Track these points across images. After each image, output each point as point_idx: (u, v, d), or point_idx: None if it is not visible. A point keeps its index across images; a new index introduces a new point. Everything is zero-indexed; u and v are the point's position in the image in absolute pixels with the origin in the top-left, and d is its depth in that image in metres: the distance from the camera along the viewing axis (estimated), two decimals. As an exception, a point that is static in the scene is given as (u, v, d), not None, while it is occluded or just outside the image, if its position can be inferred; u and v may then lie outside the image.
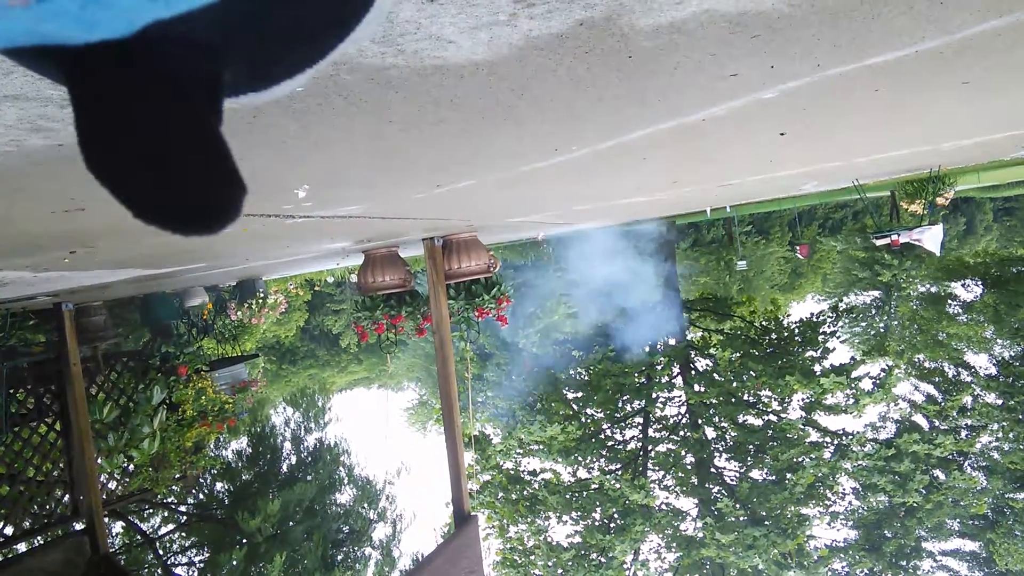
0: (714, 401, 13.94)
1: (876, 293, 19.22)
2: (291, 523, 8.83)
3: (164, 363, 6.26)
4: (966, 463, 12.32)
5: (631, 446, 14.28)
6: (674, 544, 12.28)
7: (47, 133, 0.99)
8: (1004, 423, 11.89)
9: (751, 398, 13.82)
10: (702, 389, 14.36)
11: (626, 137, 1.79)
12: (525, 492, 13.00)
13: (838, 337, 15.25)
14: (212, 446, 8.78)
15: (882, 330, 18.08)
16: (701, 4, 0.88)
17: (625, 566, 12.05)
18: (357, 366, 27.22)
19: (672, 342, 15.70)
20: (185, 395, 6.09)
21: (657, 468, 13.76)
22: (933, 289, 16.88)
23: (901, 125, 2.60)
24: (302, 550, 8.58)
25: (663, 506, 12.64)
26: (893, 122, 2.42)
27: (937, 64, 1.42)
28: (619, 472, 13.26)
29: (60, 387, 5.39)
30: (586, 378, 15.35)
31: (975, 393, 12.88)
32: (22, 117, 0.90)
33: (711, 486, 13.22)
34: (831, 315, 15.28)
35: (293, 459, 10.83)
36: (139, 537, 8.59)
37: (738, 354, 14.27)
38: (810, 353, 13.63)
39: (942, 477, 11.87)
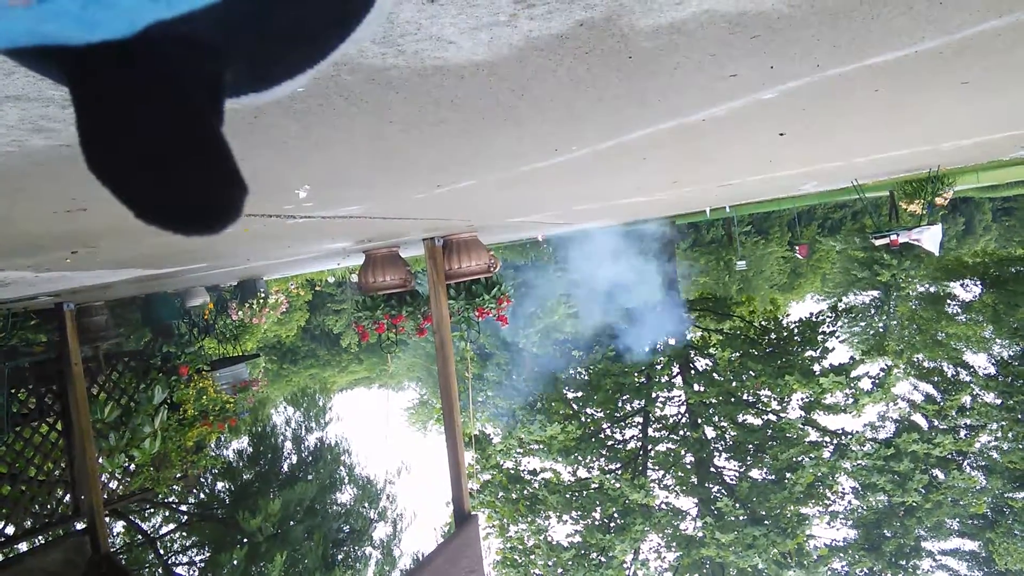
0: (714, 401, 13.95)
1: (875, 293, 19.22)
2: (292, 522, 8.83)
3: (165, 363, 6.26)
4: (965, 462, 12.33)
5: (631, 445, 14.29)
6: (674, 543, 12.29)
7: (49, 133, 0.99)
8: (1003, 422, 11.90)
9: (751, 398, 13.83)
10: (702, 389, 14.37)
11: (626, 137, 1.79)
12: (525, 491, 13.01)
13: (837, 337, 15.25)
14: (213, 446, 8.78)
15: (881, 330, 18.08)
16: (701, 5, 0.88)
17: (625, 565, 12.05)
18: (358, 366, 27.23)
19: (672, 342, 15.71)
20: (186, 395, 6.09)
21: (657, 467, 13.77)
22: (932, 289, 16.89)
23: (900, 125, 2.60)
24: (303, 549, 8.58)
25: (663, 505, 12.64)
26: (892, 122, 2.43)
27: (937, 64, 1.42)
28: (619, 471, 13.26)
29: (61, 387, 5.39)
30: (586, 378, 15.36)
31: (974, 393, 12.88)
32: (24, 117, 0.91)
33: (711, 485, 13.23)
34: (830, 315, 15.28)
35: (294, 459, 10.84)
36: (140, 537, 8.59)
37: (738, 354, 14.27)
38: (809, 353, 13.64)
39: (941, 476, 11.88)
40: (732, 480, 13.22)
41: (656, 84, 1.26)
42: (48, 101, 0.86)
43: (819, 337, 13.98)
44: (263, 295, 8.81)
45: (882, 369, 13.15)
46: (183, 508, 9.46)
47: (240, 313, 8.57)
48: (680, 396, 14.75)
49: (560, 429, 13.12)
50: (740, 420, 13.55)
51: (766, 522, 11.60)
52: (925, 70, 1.47)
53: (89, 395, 5.23)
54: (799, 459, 12.07)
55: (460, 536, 4.16)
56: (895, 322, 17.65)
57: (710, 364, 15.32)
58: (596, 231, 15.10)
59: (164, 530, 9.30)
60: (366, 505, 10.49)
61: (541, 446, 13.25)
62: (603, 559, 11.87)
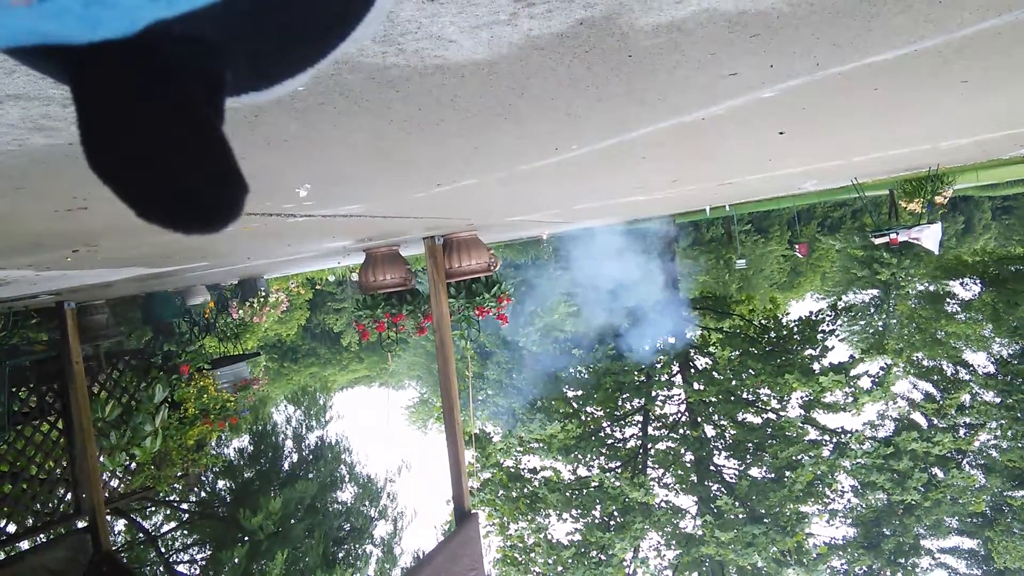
0: (713, 399, 13.96)
1: (875, 291, 19.21)
2: (292, 521, 8.84)
3: (166, 361, 6.26)
4: (964, 461, 12.34)
5: (631, 444, 14.30)
6: (674, 542, 12.30)
7: (50, 132, 0.99)
8: (1002, 421, 11.90)
9: (750, 396, 13.83)
10: (702, 387, 14.38)
11: (626, 136, 1.79)
12: (525, 490, 13.02)
13: (837, 335, 15.26)
14: (214, 444, 8.79)
15: (881, 328, 18.07)
16: (701, 3, 0.88)
17: (625, 563, 12.07)
18: (358, 364, 27.25)
19: (672, 340, 15.71)
20: (187, 393, 6.10)
21: (657, 466, 13.78)
22: (932, 287, 16.88)
23: (900, 124, 2.60)
24: (303, 548, 8.60)
25: (663, 504, 12.65)
26: (892, 121, 2.42)
27: (936, 63, 1.42)
28: (619, 470, 13.28)
29: (62, 385, 5.40)
30: (586, 376, 15.36)
31: (973, 391, 12.90)
32: (25, 116, 0.91)
33: (710, 484, 13.24)
34: (830, 313, 15.29)
35: (294, 457, 10.85)
36: (141, 535, 8.61)
37: (737, 352, 14.28)
38: (809, 351, 13.65)
39: (940, 475, 11.89)
40: (732, 478, 13.24)
41: (656, 83, 1.26)
42: (49, 100, 0.87)
43: (819, 336, 13.99)
44: (264, 294, 8.82)
45: (882, 368, 13.16)
46: (184, 506, 9.47)
47: (241, 312, 8.58)
48: (680, 395, 14.76)
49: (560, 427, 13.13)
50: (740, 419, 13.56)
51: (765, 520, 11.61)
52: (925, 69, 1.47)
53: (90, 394, 5.24)
54: (798, 457, 12.08)
55: (460, 534, 4.17)
56: (895, 321, 17.66)
57: (710, 363, 15.33)
58: (596, 229, 15.09)
59: (165, 528, 9.31)
60: (367, 503, 10.51)
61: (541, 444, 13.27)
62: (603, 557, 11.89)
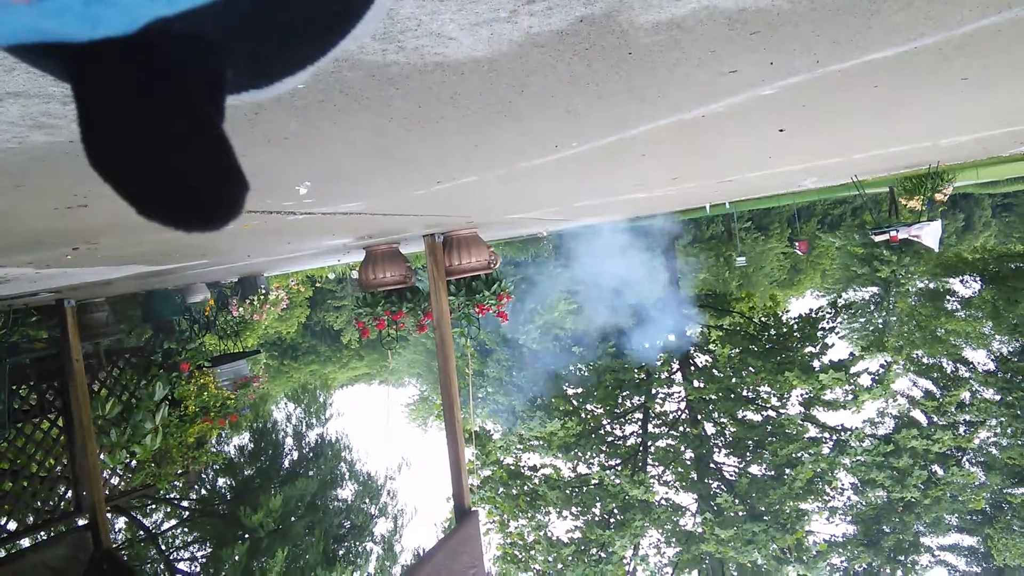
0: (713, 397, 13.97)
1: (875, 289, 19.19)
2: (293, 518, 8.86)
3: (166, 359, 6.26)
4: (964, 459, 12.35)
5: (631, 442, 14.32)
6: (673, 539, 12.33)
7: (50, 130, 0.99)
8: (1002, 419, 11.92)
9: (750, 394, 13.84)
10: (701, 385, 14.39)
11: (626, 133, 1.79)
12: (525, 487, 13.05)
13: (837, 333, 15.27)
14: (214, 442, 8.78)
15: (881, 326, 18.07)
16: (701, 0, 0.88)
17: (625, 561, 12.10)
18: (358, 362, 27.26)
19: (672, 338, 15.72)
20: (187, 391, 6.10)
21: (657, 463, 13.80)
22: (932, 285, 16.89)
23: (900, 121, 2.60)
24: (304, 545, 8.61)
25: (663, 501, 12.68)
26: (892, 118, 2.42)
27: (936, 60, 1.42)
28: (619, 467, 13.30)
29: (62, 383, 5.41)
30: (586, 374, 15.37)
31: (973, 389, 12.91)
32: (25, 114, 0.91)
33: (710, 481, 13.26)
34: (830, 311, 15.29)
35: (295, 455, 10.86)
36: (142, 532, 8.63)
37: (737, 350, 14.29)
38: (809, 349, 13.66)
39: (940, 472, 11.90)
40: (732, 476, 13.26)
41: (656, 80, 1.26)
42: (49, 97, 0.86)
43: (819, 333, 14.00)
44: (264, 291, 8.81)
45: (881, 365, 13.16)
46: (184, 504, 9.49)
47: (241, 309, 8.58)
48: (680, 392, 14.77)
49: (560, 425, 13.15)
50: (740, 416, 13.57)
51: (765, 518, 11.63)
52: (925, 66, 1.46)
53: (90, 391, 5.24)
54: (798, 455, 12.10)
55: (461, 532, 4.17)
56: (894, 318, 17.65)
57: (710, 360, 15.33)
58: (596, 227, 15.09)
59: (165, 526, 9.33)
60: (367, 501, 10.52)
61: (541, 442, 13.29)
62: (603, 555, 11.92)
